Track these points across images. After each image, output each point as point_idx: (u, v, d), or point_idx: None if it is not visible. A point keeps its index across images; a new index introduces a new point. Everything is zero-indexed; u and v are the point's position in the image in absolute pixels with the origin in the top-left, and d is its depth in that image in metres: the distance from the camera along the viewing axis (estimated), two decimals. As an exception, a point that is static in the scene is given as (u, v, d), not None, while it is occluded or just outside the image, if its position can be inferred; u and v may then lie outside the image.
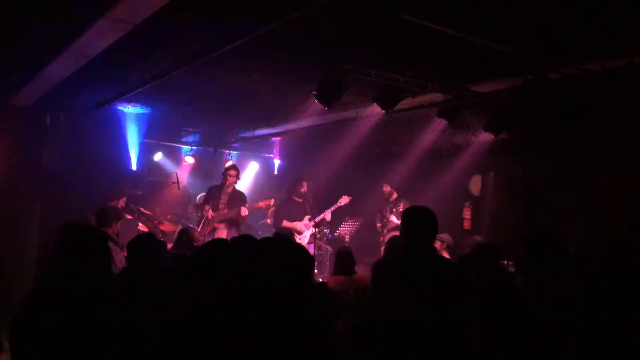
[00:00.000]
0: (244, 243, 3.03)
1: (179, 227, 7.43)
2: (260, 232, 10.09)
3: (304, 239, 7.90)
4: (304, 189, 8.07)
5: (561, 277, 3.13)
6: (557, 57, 4.98)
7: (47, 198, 7.77)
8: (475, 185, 9.38)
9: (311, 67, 5.59)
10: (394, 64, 5.50)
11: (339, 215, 8.68)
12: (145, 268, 3.47)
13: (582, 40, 4.59)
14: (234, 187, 7.91)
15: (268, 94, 6.93)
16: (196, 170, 10.42)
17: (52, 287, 2.36)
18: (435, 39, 4.45)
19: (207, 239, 7.43)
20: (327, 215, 8.10)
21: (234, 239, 3.27)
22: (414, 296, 3.02)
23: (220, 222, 7.57)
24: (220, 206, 7.63)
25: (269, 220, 9.63)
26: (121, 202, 7.47)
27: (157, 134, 9.58)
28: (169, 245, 5.66)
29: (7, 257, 7.33)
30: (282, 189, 9.06)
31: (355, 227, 8.82)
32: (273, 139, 10.21)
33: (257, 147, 11.01)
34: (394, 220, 8.54)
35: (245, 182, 11.02)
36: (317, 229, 8.01)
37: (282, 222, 7.93)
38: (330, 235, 8.89)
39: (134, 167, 9.13)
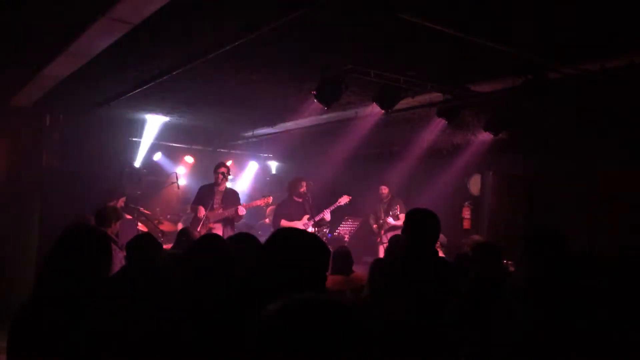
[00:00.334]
0: (244, 240, 3.03)
1: (179, 227, 7.42)
2: (260, 232, 10.08)
3: (302, 238, 7.87)
4: (303, 189, 8.07)
5: (562, 276, 3.13)
6: (557, 57, 4.98)
7: (47, 198, 7.78)
8: (474, 184, 9.38)
9: (311, 67, 5.59)
10: (394, 63, 5.50)
11: (339, 215, 8.68)
12: (144, 268, 3.48)
13: (582, 40, 4.59)
14: (226, 185, 7.86)
15: (268, 94, 6.93)
16: (196, 170, 10.42)
17: (52, 287, 2.35)
18: (435, 39, 4.45)
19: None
20: (327, 215, 8.09)
21: (234, 237, 3.25)
22: (412, 296, 3.02)
23: (217, 221, 7.51)
24: (215, 206, 7.56)
25: (267, 220, 9.62)
26: (120, 202, 7.47)
27: (157, 134, 9.58)
28: (169, 246, 5.67)
29: (7, 257, 7.34)
30: (282, 188, 9.06)
31: (355, 227, 8.82)
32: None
33: (256, 147, 11.01)
34: (391, 221, 8.60)
35: (245, 182, 11.04)
36: (316, 229, 8.00)
37: (280, 221, 7.93)
38: (329, 235, 8.88)
39: (133, 167, 9.15)
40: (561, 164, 7.88)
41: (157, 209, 9.32)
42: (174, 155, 10.23)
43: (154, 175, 9.96)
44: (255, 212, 9.13)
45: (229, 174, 7.85)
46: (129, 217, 7.85)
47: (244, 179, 11.15)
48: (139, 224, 8.07)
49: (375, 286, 3.83)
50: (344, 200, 8.23)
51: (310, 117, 7.78)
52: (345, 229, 8.76)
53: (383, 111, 6.19)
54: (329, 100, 5.68)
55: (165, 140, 9.83)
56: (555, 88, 5.18)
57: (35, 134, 7.93)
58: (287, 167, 11.35)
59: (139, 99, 7.06)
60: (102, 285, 2.45)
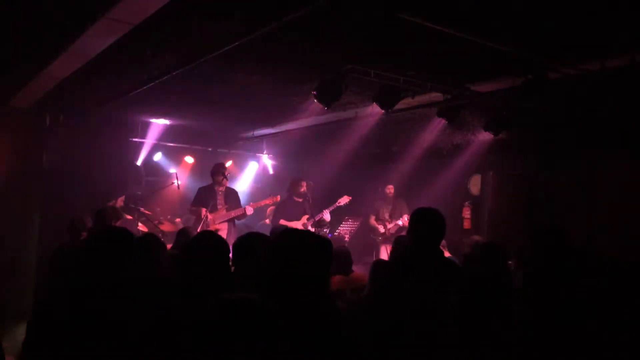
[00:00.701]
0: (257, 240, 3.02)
1: (179, 227, 7.41)
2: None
3: (302, 237, 7.87)
4: (303, 189, 8.07)
5: (563, 275, 3.14)
6: (557, 57, 4.98)
7: (47, 198, 7.78)
8: (474, 184, 9.39)
9: (311, 67, 5.59)
10: (394, 63, 5.50)
11: (339, 215, 8.68)
12: (147, 268, 3.48)
13: (582, 39, 4.59)
14: (226, 185, 7.84)
15: (268, 94, 6.92)
16: (195, 170, 10.42)
17: (72, 288, 2.38)
18: (435, 39, 4.45)
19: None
20: (326, 215, 8.09)
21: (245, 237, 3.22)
22: (414, 297, 3.02)
23: (222, 222, 7.50)
24: (219, 207, 7.55)
25: (267, 220, 9.63)
26: (120, 202, 7.47)
27: (157, 134, 9.59)
28: (169, 246, 5.67)
29: (7, 257, 7.34)
30: (282, 188, 9.06)
31: (355, 227, 8.83)
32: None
33: (256, 147, 11.01)
34: (400, 223, 8.57)
35: (245, 182, 11.04)
36: (316, 229, 8.01)
37: (279, 221, 7.94)
38: (330, 235, 8.89)
39: (133, 167, 9.15)
40: (561, 164, 7.88)
41: (157, 209, 9.33)
42: (174, 156, 10.23)
43: (154, 176, 9.96)
44: (255, 213, 9.11)
45: (228, 174, 7.86)
46: (129, 217, 7.85)
47: (244, 179, 11.15)
48: (139, 224, 8.07)
49: (377, 286, 3.85)
50: (343, 200, 8.23)
51: (310, 117, 7.78)
52: (345, 228, 8.77)
53: (383, 111, 6.19)
54: (329, 100, 5.68)
55: (165, 140, 9.84)
56: (555, 88, 5.18)
57: (35, 134, 7.93)
58: (287, 167, 11.34)
59: (138, 99, 7.05)
60: (120, 285, 2.47)
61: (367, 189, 9.54)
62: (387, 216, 8.88)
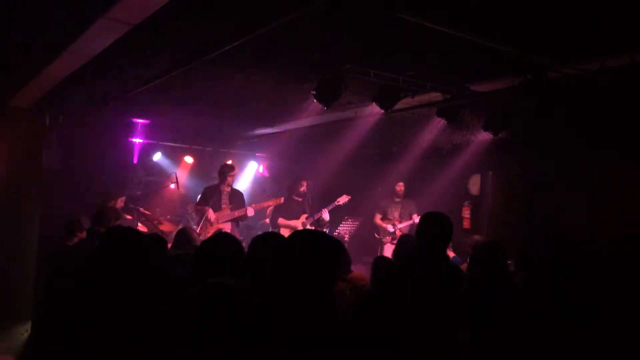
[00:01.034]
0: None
1: (179, 227, 7.41)
2: (260, 232, 10.08)
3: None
4: (303, 188, 8.09)
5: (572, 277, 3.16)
6: (557, 57, 4.98)
7: (46, 198, 7.78)
8: (474, 184, 9.39)
9: (311, 67, 5.59)
10: (393, 63, 5.51)
11: (338, 215, 8.68)
12: (152, 268, 3.48)
13: (582, 39, 4.59)
14: (232, 186, 7.87)
15: (267, 94, 6.93)
16: (195, 170, 10.42)
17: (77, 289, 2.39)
18: (435, 38, 4.45)
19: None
20: (325, 214, 8.08)
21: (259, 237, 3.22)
22: (416, 296, 3.04)
23: (225, 221, 7.52)
24: (223, 206, 7.58)
25: (267, 220, 9.63)
26: (120, 202, 7.46)
27: (156, 134, 9.59)
28: (168, 246, 5.66)
29: (6, 257, 7.35)
30: (281, 188, 9.06)
31: (355, 227, 8.81)
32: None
33: (256, 147, 11.01)
34: (411, 222, 8.49)
35: (244, 182, 11.04)
36: (315, 228, 8.01)
37: (278, 220, 7.95)
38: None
39: (133, 167, 9.15)
40: (561, 163, 7.87)
41: (157, 209, 9.32)
42: (173, 156, 10.22)
43: (154, 176, 9.96)
44: (256, 212, 9.12)
45: (235, 175, 7.94)
46: (128, 217, 7.85)
47: (244, 179, 11.15)
48: (139, 224, 8.06)
49: (379, 282, 3.88)
50: (343, 199, 8.23)
51: (310, 117, 7.78)
52: (345, 228, 8.76)
53: (383, 111, 6.20)
54: (328, 100, 5.69)
55: (165, 140, 9.84)
56: (555, 87, 5.18)
57: (35, 134, 7.92)
58: (286, 167, 11.34)
59: (138, 99, 7.06)
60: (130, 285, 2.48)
61: (367, 189, 9.53)
62: (396, 215, 8.77)
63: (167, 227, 8.32)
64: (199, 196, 7.91)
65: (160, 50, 5.18)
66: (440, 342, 2.67)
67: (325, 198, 8.47)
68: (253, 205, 7.79)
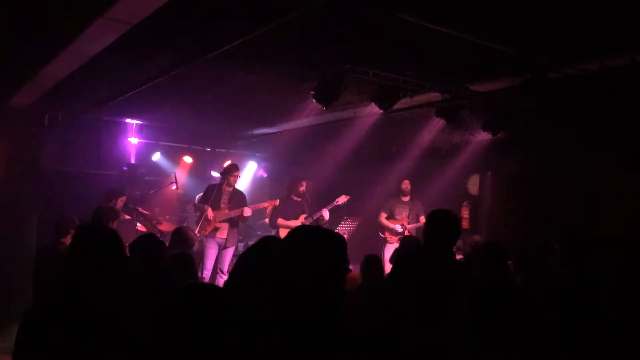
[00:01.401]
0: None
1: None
2: (259, 232, 10.09)
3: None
4: (302, 188, 8.07)
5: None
6: (557, 57, 4.97)
7: (45, 198, 7.76)
8: (473, 184, 9.38)
9: (310, 67, 5.58)
10: (393, 63, 5.50)
11: (338, 215, 8.66)
12: (148, 269, 3.47)
13: (581, 39, 4.59)
14: (234, 186, 7.87)
15: (267, 94, 6.92)
16: (194, 170, 10.41)
17: (63, 289, 2.36)
18: (435, 38, 4.44)
19: (209, 239, 7.44)
20: (325, 213, 8.06)
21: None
22: (417, 297, 3.04)
23: (222, 221, 7.52)
24: (222, 205, 7.58)
25: (267, 220, 9.62)
26: (120, 202, 7.45)
27: (156, 134, 9.58)
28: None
29: (5, 257, 7.33)
30: (280, 188, 9.05)
31: (354, 227, 8.79)
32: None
33: (255, 147, 11.00)
34: (415, 225, 8.42)
35: (244, 183, 11.02)
36: (314, 228, 7.98)
37: (277, 220, 7.94)
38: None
39: (132, 166, 9.14)
40: (561, 163, 7.87)
41: (156, 209, 9.31)
42: (172, 156, 10.21)
43: (153, 176, 9.94)
44: (255, 213, 9.11)
45: (238, 176, 7.91)
46: (128, 217, 7.84)
47: (242, 179, 11.13)
48: (138, 224, 8.05)
49: (369, 279, 3.89)
50: (342, 199, 8.20)
51: (309, 117, 7.77)
52: (344, 228, 8.74)
53: (382, 111, 6.19)
54: (327, 100, 5.68)
55: (164, 140, 9.82)
56: (554, 87, 5.17)
57: (34, 134, 7.91)
58: (285, 167, 11.33)
59: (138, 99, 7.04)
60: (114, 287, 2.45)
61: (366, 189, 9.52)
62: (405, 215, 8.66)
63: (166, 227, 8.31)
64: (199, 195, 7.90)
65: (159, 49, 5.17)
66: (441, 342, 2.67)
67: (325, 198, 8.45)
68: (250, 206, 7.77)
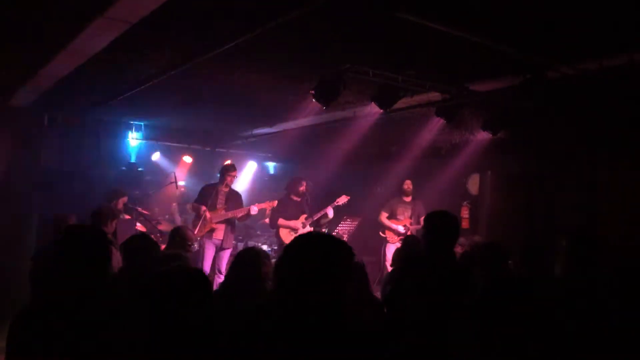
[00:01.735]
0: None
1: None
2: (259, 232, 10.10)
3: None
4: (302, 188, 8.06)
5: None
6: (556, 57, 4.97)
7: (45, 198, 7.76)
8: (473, 184, 9.39)
9: (310, 67, 5.58)
10: (393, 63, 5.50)
11: (338, 215, 8.67)
12: (142, 268, 3.47)
13: (581, 39, 4.59)
14: (231, 186, 7.86)
15: (266, 94, 6.91)
16: (194, 170, 10.41)
17: (51, 289, 2.35)
18: (434, 38, 4.44)
19: (206, 239, 7.43)
20: (330, 211, 8.03)
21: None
22: (419, 298, 3.04)
23: (219, 222, 7.50)
24: (218, 206, 7.55)
25: (267, 220, 9.62)
26: (121, 202, 7.45)
27: (155, 134, 9.59)
28: (164, 246, 5.64)
29: (5, 257, 7.32)
30: (280, 188, 9.05)
31: (354, 227, 8.80)
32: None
33: (255, 147, 11.01)
34: (417, 227, 8.39)
35: (243, 182, 11.03)
36: (314, 229, 7.99)
37: (277, 220, 7.93)
38: (328, 235, 8.84)
39: (132, 166, 9.14)
40: (560, 163, 7.87)
41: (156, 209, 9.31)
42: (172, 155, 10.22)
43: (153, 175, 9.95)
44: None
45: (236, 176, 7.90)
46: (127, 217, 7.83)
47: (243, 179, 11.15)
48: (138, 224, 8.05)
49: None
50: (342, 200, 8.20)
51: (309, 117, 7.77)
52: (344, 228, 8.75)
53: (382, 111, 6.18)
54: (327, 99, 5.67)
55: (164, 139, 9.82)
56: (554, 87, 5.17)
57: (34, 134, 7.91)
58: (285, 167, 11.34)
59: (137, 99, 7.04)
60: (102, 286, 2.44)
61: (366, 189, 9.52)
62: (407, 215, 8.59)
63: (166, 227, 8.30)
64: (198, 194, 7.87)
65: (158, 49, 5.17)
66: (441, 341, 2.67)
67: (324, 198, 8.45)
68: (256, 204, 7.72)
